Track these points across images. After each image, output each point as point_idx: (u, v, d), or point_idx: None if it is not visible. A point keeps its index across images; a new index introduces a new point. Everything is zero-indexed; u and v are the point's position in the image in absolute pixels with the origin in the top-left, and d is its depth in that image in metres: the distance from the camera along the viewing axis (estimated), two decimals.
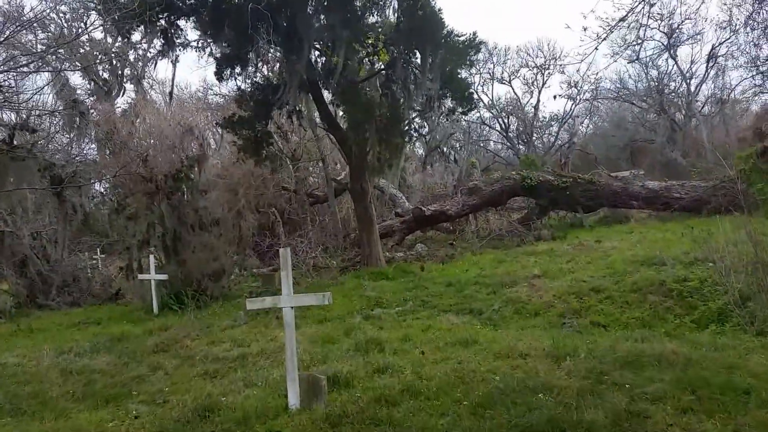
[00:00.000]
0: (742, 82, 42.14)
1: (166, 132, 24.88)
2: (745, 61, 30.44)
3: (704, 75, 36.10)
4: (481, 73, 41.39)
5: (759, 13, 17.64)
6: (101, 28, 32.34)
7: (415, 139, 26.79)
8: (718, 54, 34.54)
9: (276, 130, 17.63)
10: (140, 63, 33.38)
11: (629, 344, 6.71)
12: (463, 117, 17.61)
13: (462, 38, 13.76)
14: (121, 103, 32.16)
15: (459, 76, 14.23)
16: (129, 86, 33.65)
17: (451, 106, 15.47)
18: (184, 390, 6.57)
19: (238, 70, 13.29)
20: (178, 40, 13.32)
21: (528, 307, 9.97)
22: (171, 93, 32.33)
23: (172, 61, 28.08)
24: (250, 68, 13.46)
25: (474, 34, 13.82)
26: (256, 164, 15.43)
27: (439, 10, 13.13)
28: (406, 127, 14.48)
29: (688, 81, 36.26)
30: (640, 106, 40.19)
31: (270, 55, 13.20)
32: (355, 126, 13.25)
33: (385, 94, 14.33)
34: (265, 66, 13.95)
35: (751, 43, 19.42)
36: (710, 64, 34.99)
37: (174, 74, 33.34)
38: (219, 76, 13.45)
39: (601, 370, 5.73)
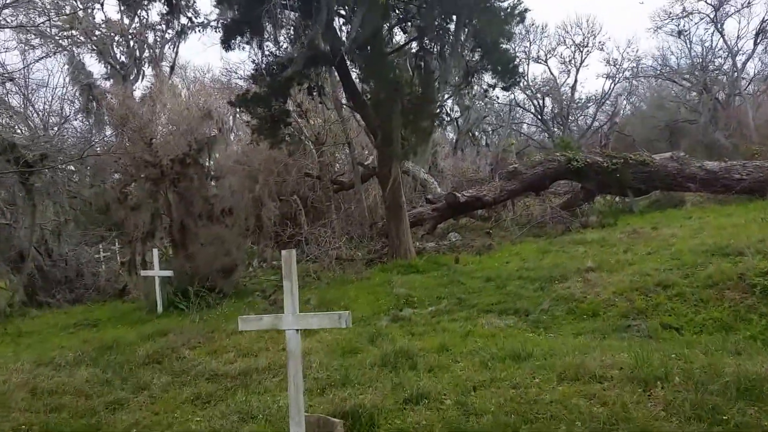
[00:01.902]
0: None
1: (183, 115, 23.89)
2: None
3: (752, 51, 33.76)
4: (516, 53, 39.47)
5: None
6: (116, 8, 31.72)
7: (446, 123, 25.18)
8: None
9: (296, 109, 16.17)
10: (158, 45, 32.47)
11: (732, 361, 5.19)
12: (505, 93, 15.66)
13: (504, 4, 12.14)
14: (141, 87, 31.26)
15: (500, 47, 12.59)
16: (149, 71, 32.76)
17: (492, 81, 13.82)
18: (165, 425, 5.26)
19: (247, 37, 11.86)
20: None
21: (583, 306, 8.47)
22: (172, 67, 31.15)
23: (177, 32, 26.86)
24: (266, 37, 12.02)
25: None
26: (272, 147, 14.04)
27: None
28: (438, 110, 12.85)
29: (734, 57, 33.91)
30: (682, 85, 37.95)
31: (285, 20, 11.75)
32: (379, 105, 11.75)
33: (417, 68, 12.82)
34: (282, 36, 12.48)
35: None
36: (759, 39, 32.70)
37: (177, 47, 31.84)
38: (227, 44, 12.06)
39: (711, 405, 4.25)
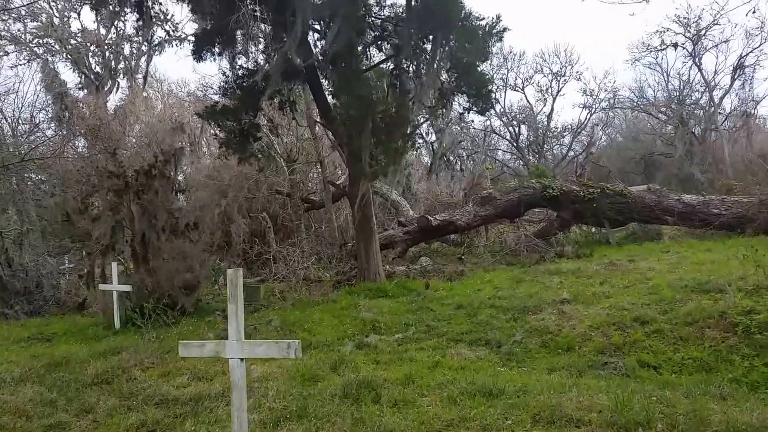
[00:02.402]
0: None
1: (155, 128, 23.30)
2: None
3: (729, 86, 34.24)
4: (493, 77, 39.71)
5: None
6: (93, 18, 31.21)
7: (419, 146, 24.92)
8: (746, 64, 32.92)
9: (267, 124, 15.73)
10: (134, 57, 31.96)
11: (717, 407, 4.85)
12: (479, 116, 15.41)
13: (483, 22, 11.92)
14: (115, 99, 30.64)
15: (477, 68, 12.36)
16: (123, 83, 32.13)
17: (467, 104, 13.58)
18: None
19: (218, 48, 11.46)
20: (154, 11, 11.47)
21: (558, 340, 8.13)
22: (145, 77, 30.56)
23: (146, 40, 26.38)
24: (238, 49, 11.61)
25: (497, 18, 11.99)
26: (240, 161, 13.54)
27: None
28: (411, 131, 12.51)
29: (711, 91, 34.36)
30: (658, 117, 38.37)
31: (258, 32, 11.37)
32: (350, 121, 11.36)
33: (392, 86, 12.52)
34: (254, 48, 12.09)
35: None
36: (736, 74, 33.16)
37: (150, 58, 31.28)
38: (198, 55, 11.65)
39: None
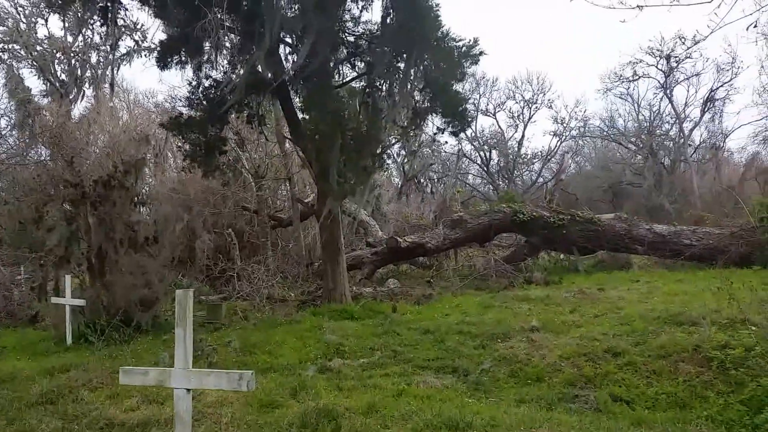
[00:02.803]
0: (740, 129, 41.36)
1: (119, 138, 22.70)
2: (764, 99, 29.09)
3: (699, 118, 34.98)
4: (467, 97, 39.83)
5: None
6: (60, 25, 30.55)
7: (387, 167, 24.70)
8: (716, 97, 33.66)
9: (235, 138, 15.31)
10: (101, 66, 31.34)
11: None
12: (453, 138, 15.19)
13: (460, 43, 11.79)
14: (80, 107, 29.97)
15: (452, 88, 12.22)
16: (89, 92, 31.42)
17: (441, 125, 13.42)
18: None
19: (184, 57, 11.07)
20: (121, 17, 11.07)
21: (527, 370, 7.87)
22: (112, 85, 29.94)
23: (112, 47, 25.87)
24: (205, 58, 11.24)
25: (475, 40, 11.87)
26: (204, 175, 13.11)
27: (437, 5, 11.13)
28: (381, 150, 12.24)
29: (681, 123, 35.01)
30: (628, 147, 38.93)
31: (226, 42, 11.04)
32: (319, 138, 11.04)
33: (364, 104, 12.28)
34: (221, 58, 11.73)
35: None
36: (706, 107, 33.87)
37: (117, 65, 30.66)
38: (162, 63, 11.25)
39: None
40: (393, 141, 13.58)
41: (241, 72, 11.23)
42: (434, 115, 13.12)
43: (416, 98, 12.62)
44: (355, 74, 12.98)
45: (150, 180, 24.22)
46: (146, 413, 6.22)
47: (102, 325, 9.93)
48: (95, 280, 10.65)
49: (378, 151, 12.08)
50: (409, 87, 12.05)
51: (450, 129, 13.24)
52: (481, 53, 11.99)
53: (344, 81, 13.14)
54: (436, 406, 6.08)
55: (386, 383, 7.27)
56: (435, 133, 13.71)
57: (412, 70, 11.88)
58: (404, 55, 11.44)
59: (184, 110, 12.49)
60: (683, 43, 29.44)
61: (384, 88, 12.26)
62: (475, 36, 12.71)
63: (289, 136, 14.31)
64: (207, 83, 11.92)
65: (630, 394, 6.96)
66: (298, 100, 12.79)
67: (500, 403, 6.70)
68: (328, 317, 11.46)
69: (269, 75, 11.91)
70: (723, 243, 15.41)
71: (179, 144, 13.54)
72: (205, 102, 11.89)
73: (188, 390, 3.57)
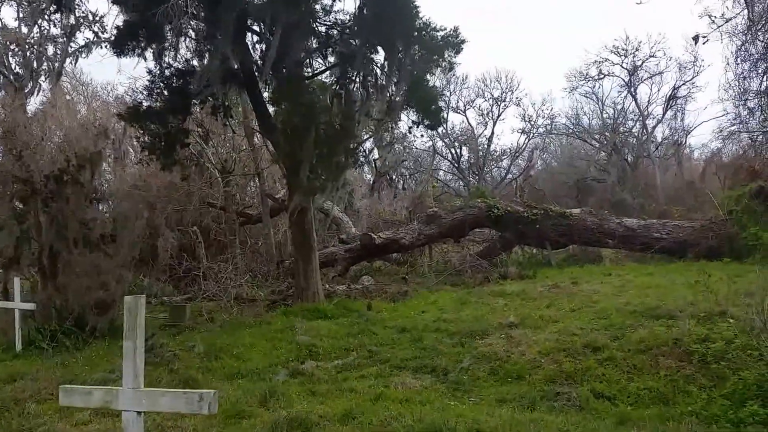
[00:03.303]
0: (702, 125, 42.55)
1: (76, 132, 21.76)
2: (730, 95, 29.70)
3: (662, 116, 35.56)
4: (443, 92, 39.80)
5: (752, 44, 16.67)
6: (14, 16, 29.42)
7: (361, 163, 24.25)
8: (678, 95, 34.25)
9: (198, 130, 14.66)
10: (58, 58, 30.24)
11: None
12: (427, 133, 14.74)
13: (440, 33, 11.39)
14: (36, 101, 28.82)
15: (426, 83, 11.84)
16: (45, 85, 30.30)
17: (415, 119, 13.04)
18: None
19: (143, 43, 10.45)
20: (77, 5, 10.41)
21: (507, 367, 7.54)
22: (60, 73, 28.90)
23: (66, 34, 25.01)
24: (166, 45, 10.63)
25: (455, 30, 11.48)
26: (164, 168, 12.48)
27: None
28: (354, 146, 11.78)
29: (645, 119, 35.52)
30: (592, 144, 39.37)
31: (189, 28, 10.45)
32: (291, 131, 10.55)
33: (337, 97, 11.83)
34: (184, 45, 11.12)
35: (740, 76, 18.00)
36: (669, 104, 34.42)
37: (71, 56, 29.63)
38: (119, 49, 10.61)
39: None
40: (366, 136, 13.10)
41: (206, 61, 10.67)
42: (409, 109, 12.72)
43: (391, 91, 12.21)
44: (326, 66, 12.48)
45: (109, 176, 23.38)
46: (99, 428, 5.77)
47: (54, 330, 9.29)
48: (47, 282, 10.01)
49: (352, 147, 11.61)
50: (384, 80, 11.65)
51: (426, 123, 12.90)
52: (463, 42, 11.65)
53: (315, 73, 12.66)
54: (417, 411, 5.72)
55: (363, 386, 6.88)
56: (410, 127, 13.25)
57: (389, 63, 11.50)
58: (379, 47, 11.00)
59: (145, 101, 11.82)
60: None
61: (358, 80, 11.81)
62: (454, 24, 12.29)
63: (257, 129, 13.74)
64: (168, 72, 11.31)
65: (612, 390, 6.71)
66: (266, 90, 12.25)
67: (481, 404, 6.39)
68: (300, 317, 10.99)
69: (236, 65, 11.40)
70: (693, 236, 15.42)
71: (137, 136, 12.86)
72: (166, 92, 11.28)
73: (139, 413, 3.12)
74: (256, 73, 11.45)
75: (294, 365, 7.87)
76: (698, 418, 5.79)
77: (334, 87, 12.00)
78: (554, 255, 17.37)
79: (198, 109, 12.85)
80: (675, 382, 6.70)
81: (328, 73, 12.78)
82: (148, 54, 10.71)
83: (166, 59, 11.16)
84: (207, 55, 10.58)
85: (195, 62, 11.23)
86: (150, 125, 11.32)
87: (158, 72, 11.27)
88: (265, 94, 12.41)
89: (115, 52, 10.90)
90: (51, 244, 9.95)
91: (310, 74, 12.30)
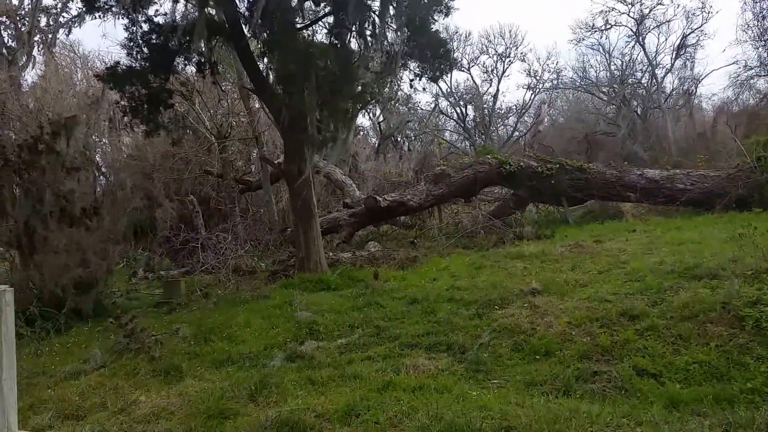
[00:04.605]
0: (712, 74, 41.27)
1: (70, 102, 20.90)
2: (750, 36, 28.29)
3: (671, 65, 34.63)
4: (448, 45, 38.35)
5: None
6: None
7: (371, 105, 22.83)
8: (687, 44, 32.92)
9: (183, 89, 13.51)
10: (51, 30, 29.18)
11: None
12: (433, 82, 13.44)
13: None
14: (32, 74, 28.14)
15: (430, 27, 10.71)
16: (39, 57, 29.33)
17: (418, 70, 11.93)
18: None
19: None
20: None
21: (533, 342, 6.61)
22: (53, 44, 28.00)
23: (59, 4, 24.10)
24: None
25: None
26: (149, 134, 11.47)
27: None
28: (359, 88, 10.68)
29: (654, 69, 34.18)
30: (600, 98, 38.11)
31: None
32: (288, 80, 9.49)
33: (333, 46, 10.71)
34: None
35: (759, 16, 16.74)
36: (680, 53, 33.11)
37: (59, 20, 28.70)
38: (89, 4, 9.52)
39: None
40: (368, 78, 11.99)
41: (188, 12, 9.56)
42: (411, 59, 11.59)
43: (390, 39, 11.09)
44: (317, 18, 11.30)
45: (104, 145, 22.54)
46: None
47: (32, 314, 8.47)
48: (25, 261, 9.16)
49: (358, 91, 10.49)
50: (382, 26, 10.52)
51: (427, 75, 11.80)
52: None
53: (306, 24, 11.51)
54: (432, 401, 4.85)
55: (369, 371, 5.99)
56: (412, 80, 12.12)
57: (384, 7, 10.36)
58: None
59: (125, 60, 10.76)
60: None
61: (354, 28, 10.67)
62: None
63: (248, 87, 12.65)
64: (147, 27, 10.21)
65: (656, 366, 5.77)
66: (256, 43, 11.14)
67: (507, 389, 5.50)
68: (301, 289, 10.12)
69: (221, 16, 10.30)
70: (720, 186, 14.39)
71: (117, 100, 11.83)
72: (146, 49, 10.21)
73: None
74: (244, 24, 10.34)
75: (292, 347, 6.98)
76: (761, 396, 4.91)
77: (329, 35, 10.87)
78: (571, 212, 16.35)
79: (182, 68, 11.79)
80: (728, 353, 5.75)
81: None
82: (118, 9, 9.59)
83: (143, 12, 10.05)
84: (186, 6, 9.46)
85: (179, 17, 10.12)
86: (130, 86, 10.25)
87: (136, 28, 10.18)
88: (255, 46, 11.34)
89: (85, 7, 9.80)
90: (26, 219, 9.06)
91: (303, 25, 11.16)
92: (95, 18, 10.73)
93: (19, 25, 28.71)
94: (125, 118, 10.70)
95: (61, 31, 29.33)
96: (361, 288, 10.02)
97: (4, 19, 28.56)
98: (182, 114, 15.34)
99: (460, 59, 40.70)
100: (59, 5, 28.25)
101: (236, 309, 9.03)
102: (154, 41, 10.14)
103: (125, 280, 13.51)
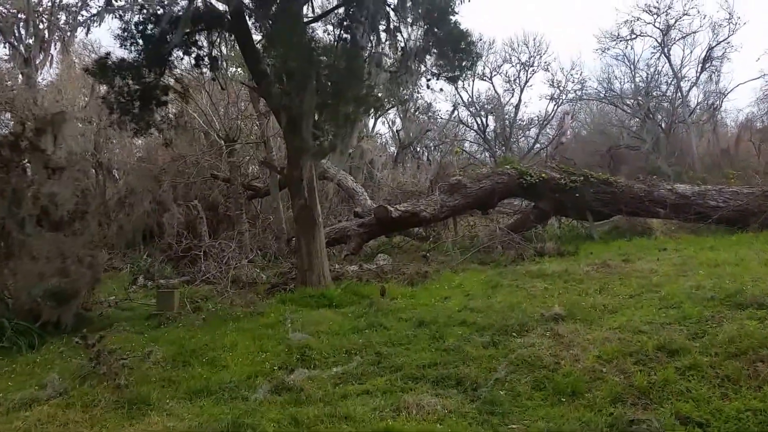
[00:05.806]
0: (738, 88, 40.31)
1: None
2: None
3: (696, 78, 33.61)
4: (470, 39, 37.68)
5: None
6: None
7: (382, 110, 21.76)
8: (713, 56, 32.01)
9: (178, 86, 12.68)
10: (69, 28, 28.92)
11: None
12: (451, 83, 12.45)
13: None
14: (50, 73, 27.98)
15: (451, 19, 9.87)
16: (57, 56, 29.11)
17: (435, 69, 11.07)
18: None
19: None
20: None
21: (557, 379, 5.70)
22: (69, 42, 27.69)
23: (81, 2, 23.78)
24: None
25: None
26: (137, 134, 10.69)
27: None
28: (365, 91, 9.78)
29: (679, 81, 33.24)
30: (624, 110, 37.13)
31: None
32: (289, 77, 8.68)
33: (341, 40, 9.92)
34: None
35: None
36: (705, 66, 32.07)
37: (77, 18, 28.51)
38: None
39: None
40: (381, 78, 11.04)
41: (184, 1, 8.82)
42: (429, 55, 10.73)
43: (404, 34, 10.28)
44: (326, 12, 10.50)
45: (116, 150, 22.08)
46: None
47: (2, 327, 7.71)
48: (2, 269, 8.43)
49: (363, 93, 9.60)
50: (398, 20, 9.72)
51: (447, 73, 10.95)
52: None
53: (316, 16, 10.74)
54: None
55: (364, 410, 5.13)
56: (428, 80, 11.23)
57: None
58: None
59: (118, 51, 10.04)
60: None
61: (366, 21, 9.83)
62: None
63: (247, 83, 11.87)
64: (141, 17, 9.48)
65: (703, 414, 4.89)
66: (260, 36, 10.39)
67: None
68: (300, 305, 9.29)
69: (224, 7, 9.58)
70: (755, 203, 13.50)
71: (103, 96, 11.12)
72: (140, 40, 9.48)
73: None
74: (246, 14, 9.58)
75: (279, 376, 6.10)
76: None
77: (338, 28, 10.06)
78: (596, 227, 15.36)
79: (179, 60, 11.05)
80: None
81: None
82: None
83: (138, 3, 9.34)
84: None
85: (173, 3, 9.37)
86: (121, 80, 9.51)
87: (128, 15, 9.49)
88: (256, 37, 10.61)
89: (105, 6, 9.14)
90: (2, 222, 8.34)
91: (311, 18, 10.38)
92: (115, 17, 10.30)
93: (37, 23, 28.53)
94: (113, 115, 9.93)
95: (80, 29, 29.09)
96: (365, 306, 9.14)
97: (21, 16, 28.39)
98: (176, 114, 14.63)
99: (482, 68, 39.96)
100: (79, 3, 27.98)
101: (225, 327, 8.16)
102: (150, 31, 9.39)
103: (125, 288, 12.81)
